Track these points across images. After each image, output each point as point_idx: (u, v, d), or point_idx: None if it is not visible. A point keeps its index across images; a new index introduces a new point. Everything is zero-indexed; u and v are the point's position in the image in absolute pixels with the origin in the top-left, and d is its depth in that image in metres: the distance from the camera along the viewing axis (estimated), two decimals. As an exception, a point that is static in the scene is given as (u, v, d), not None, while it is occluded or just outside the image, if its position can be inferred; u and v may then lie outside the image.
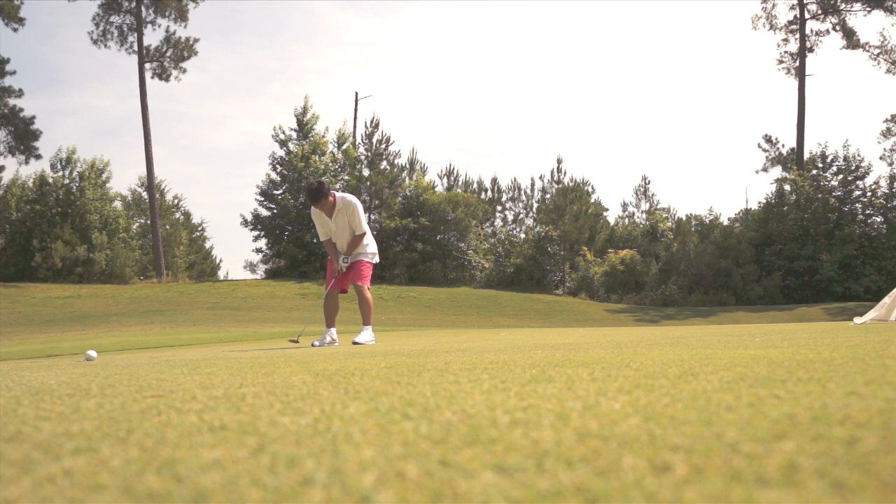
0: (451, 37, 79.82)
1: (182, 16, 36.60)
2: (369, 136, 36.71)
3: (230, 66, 70.94)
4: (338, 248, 6.92)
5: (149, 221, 38.04)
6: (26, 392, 2.10)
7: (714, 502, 0.70)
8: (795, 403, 1.28)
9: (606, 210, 39.09)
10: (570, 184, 38.32)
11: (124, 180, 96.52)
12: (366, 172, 35.15)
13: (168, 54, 36.65)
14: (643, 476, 0.80)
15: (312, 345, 6.60)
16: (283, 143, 35.94)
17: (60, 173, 34.96)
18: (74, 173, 34.92)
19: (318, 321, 7.29)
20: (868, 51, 36.82)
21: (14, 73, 36.57)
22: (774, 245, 32.47)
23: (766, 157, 37.46)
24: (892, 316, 7.40)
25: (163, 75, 36.87)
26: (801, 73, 36.58)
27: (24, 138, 36.42)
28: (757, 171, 42.35)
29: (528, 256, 33.87)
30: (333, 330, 6.87)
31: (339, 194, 6.74)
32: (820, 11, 37.05)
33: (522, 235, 38.17)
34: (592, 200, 37.83)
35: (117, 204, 37.47)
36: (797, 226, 32.28)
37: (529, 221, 40.51)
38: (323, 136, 36.23)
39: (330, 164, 36.00)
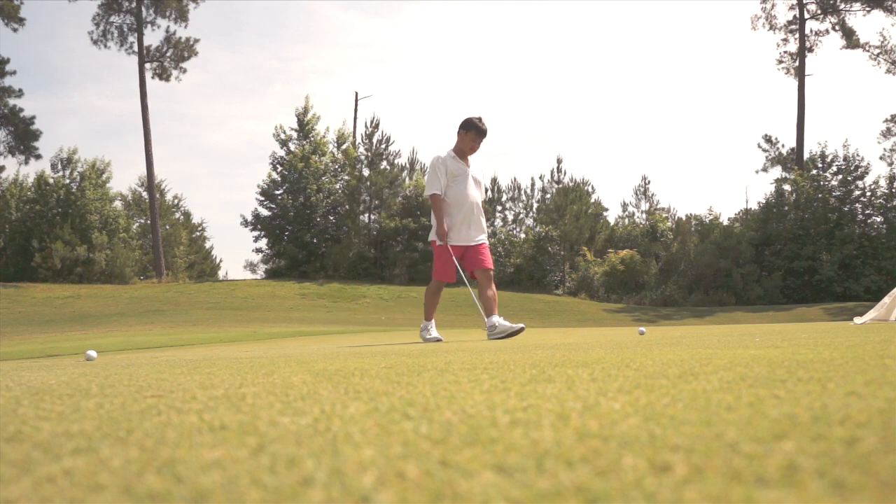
0: (451, 37, 79.86)
1: (182, 16, 36.63)
2: (369, 136, 36.72)
3: (230, 66, 71.02)
4: (456, 204, 6.49)
5: (149, 221, 38.05)
6: (26, 392, 2.10)
7: (714, 502, 0.70)
8: (795, 403, 1.28)
9: (606, 210, 39.10)
10: (570, 184, 38.33)
11: (124, 180, 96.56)
12: (366, 172, 35.15)
13: (168, 54, 36.69)
14: (643, 476, 0.80)
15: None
16: (283, 143, 35.95)
17: (61, 173, 34.98)
18: (75, 173, 34.93)
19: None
20: (868, 51, 36.85)
21: (14, 73, 36.65)
22: (774, 245, 32.48)
23: (766, 157, 37.49)
24: (892, 316, 7.40)
25: (163, 75, 36.91)
26: (800, 73, 36.59)
27: (24, 138, 36.44)
28: (757, 171, 42.38)
29: (528, 256, 33.86)
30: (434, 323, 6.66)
31: None
32: (819, 11, 37.06)
33: (522, 235, 38.13)
34: (592, 200, 37.83)
35: (117, 204, 37.50)
36: (797, 226, 32.28)
37: (529, 221, 40.47)
38: (323, 137, 36.25)
39: (330, 164, 36.01)
